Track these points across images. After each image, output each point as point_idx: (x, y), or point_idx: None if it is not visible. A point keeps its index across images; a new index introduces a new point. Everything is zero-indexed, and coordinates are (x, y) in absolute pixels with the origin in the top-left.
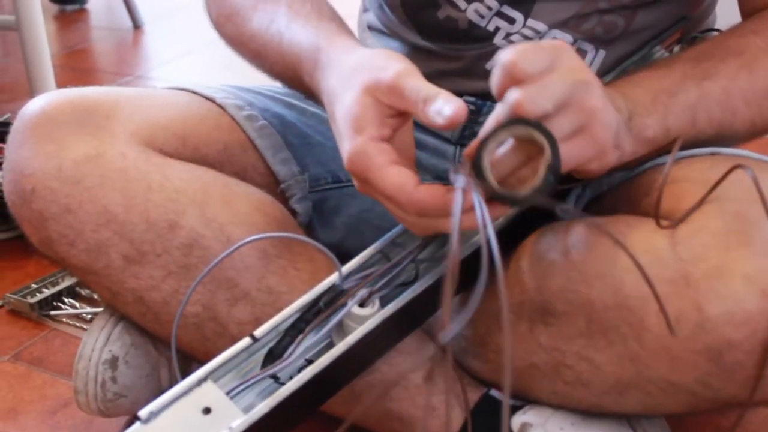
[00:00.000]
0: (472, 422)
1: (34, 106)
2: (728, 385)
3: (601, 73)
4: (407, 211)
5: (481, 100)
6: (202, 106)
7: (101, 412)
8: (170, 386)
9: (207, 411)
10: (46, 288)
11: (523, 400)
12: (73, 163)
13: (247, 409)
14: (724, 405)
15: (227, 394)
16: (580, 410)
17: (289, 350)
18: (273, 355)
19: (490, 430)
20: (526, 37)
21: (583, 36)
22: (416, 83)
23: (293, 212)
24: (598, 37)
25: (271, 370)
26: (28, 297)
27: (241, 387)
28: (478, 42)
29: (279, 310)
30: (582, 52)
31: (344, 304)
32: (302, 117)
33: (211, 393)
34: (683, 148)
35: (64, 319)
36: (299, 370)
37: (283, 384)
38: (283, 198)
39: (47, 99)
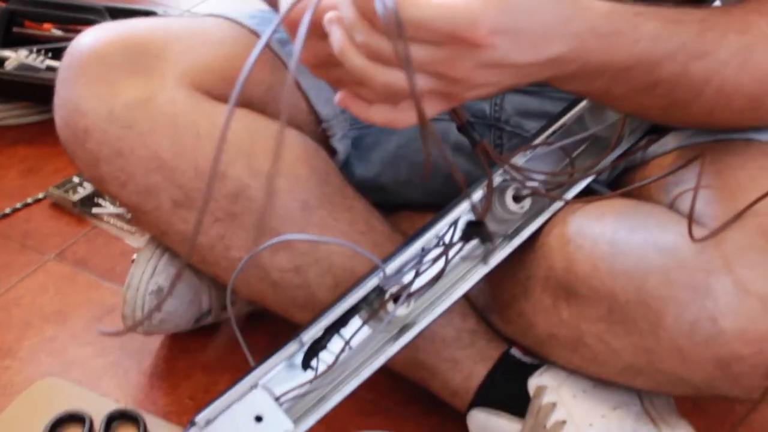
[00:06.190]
0: (491, 377)
1: (84, 42)
2: (732, 390)
3: None
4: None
5: None
6: (248, 43)
7: (146, 333)
8: (209, 310)
9: (258, 419)
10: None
11: (541, 359)
12: (125, 107)
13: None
14: (727, 400)
15: (276, 400)
16: (593, 380)
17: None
18: (314, 351)
19: (507, 386)
20: None
21: None
22: None
23: (333, 151)
24: None
25: (320, 380)
26: (70, 193)
27: (290, 395)
28: None
29: (318, 259)
30: None
31: (383, 305)
32: None
33: (262, 399)
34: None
35: (104, 218)
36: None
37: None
38: (323, 136)
39: (98, 36)
